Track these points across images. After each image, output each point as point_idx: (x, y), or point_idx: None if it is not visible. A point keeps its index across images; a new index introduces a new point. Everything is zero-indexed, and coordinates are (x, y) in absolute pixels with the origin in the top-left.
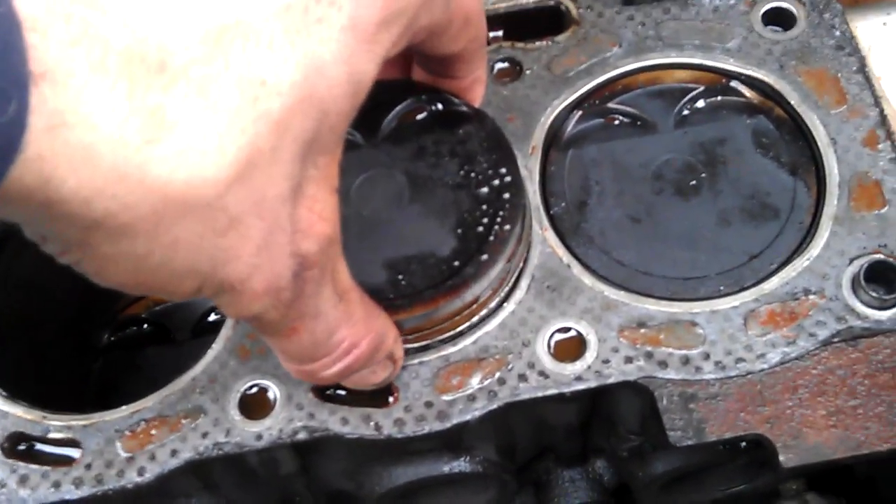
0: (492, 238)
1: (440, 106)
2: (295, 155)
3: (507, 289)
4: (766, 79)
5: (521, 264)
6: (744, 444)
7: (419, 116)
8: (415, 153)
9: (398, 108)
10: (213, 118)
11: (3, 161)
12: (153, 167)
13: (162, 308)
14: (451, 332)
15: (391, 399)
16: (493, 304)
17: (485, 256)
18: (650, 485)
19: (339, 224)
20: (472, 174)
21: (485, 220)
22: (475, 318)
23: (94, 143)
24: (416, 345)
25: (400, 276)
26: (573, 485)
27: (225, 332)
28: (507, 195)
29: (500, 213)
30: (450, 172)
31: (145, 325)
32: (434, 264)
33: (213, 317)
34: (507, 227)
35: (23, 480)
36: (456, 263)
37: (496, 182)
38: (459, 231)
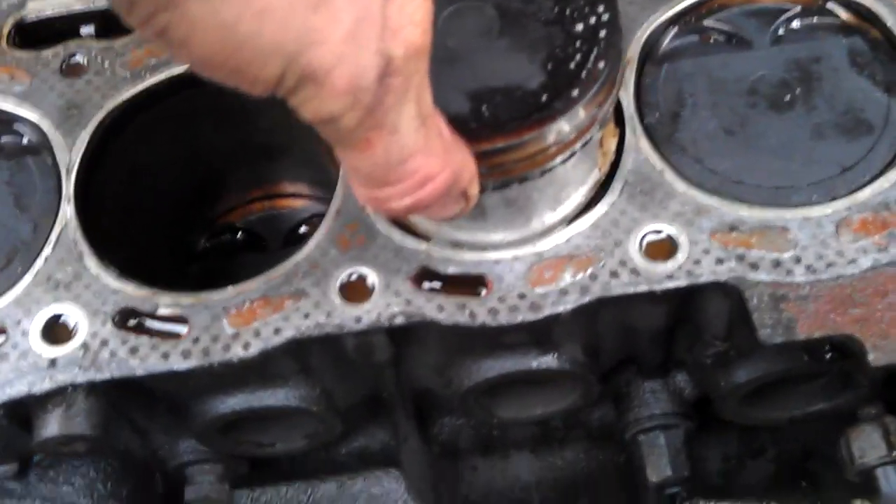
0: (583, 75)
1: None
2: None
3: (591, 135)
4: (862, 0)
5: (610, 112)
6: (829, 355)
7: None
8: None
9: None
10: None
11: None
12: None
13: (256, 217)
14: (532, 172)
15: (485, 290)
16: (576, 147)
17: (575, 92)
18: (732, 394)
19: (430, 37)
20: (568, 10)
21: (577, 57)
22: (558, 159)
23: None
24: (493, 180)
25: (484, 107)
26: (654, 396)
27: (326, 222)
28: (603, 33)
29: (595, 50)
30: (544, 8)
31: (239, 234)
32: (520, 97)
33: (303, 228)
34: (601, 65)
35: (133, 351)
36: (544, 98)
37: (592, 20)
38: (550, 66)
